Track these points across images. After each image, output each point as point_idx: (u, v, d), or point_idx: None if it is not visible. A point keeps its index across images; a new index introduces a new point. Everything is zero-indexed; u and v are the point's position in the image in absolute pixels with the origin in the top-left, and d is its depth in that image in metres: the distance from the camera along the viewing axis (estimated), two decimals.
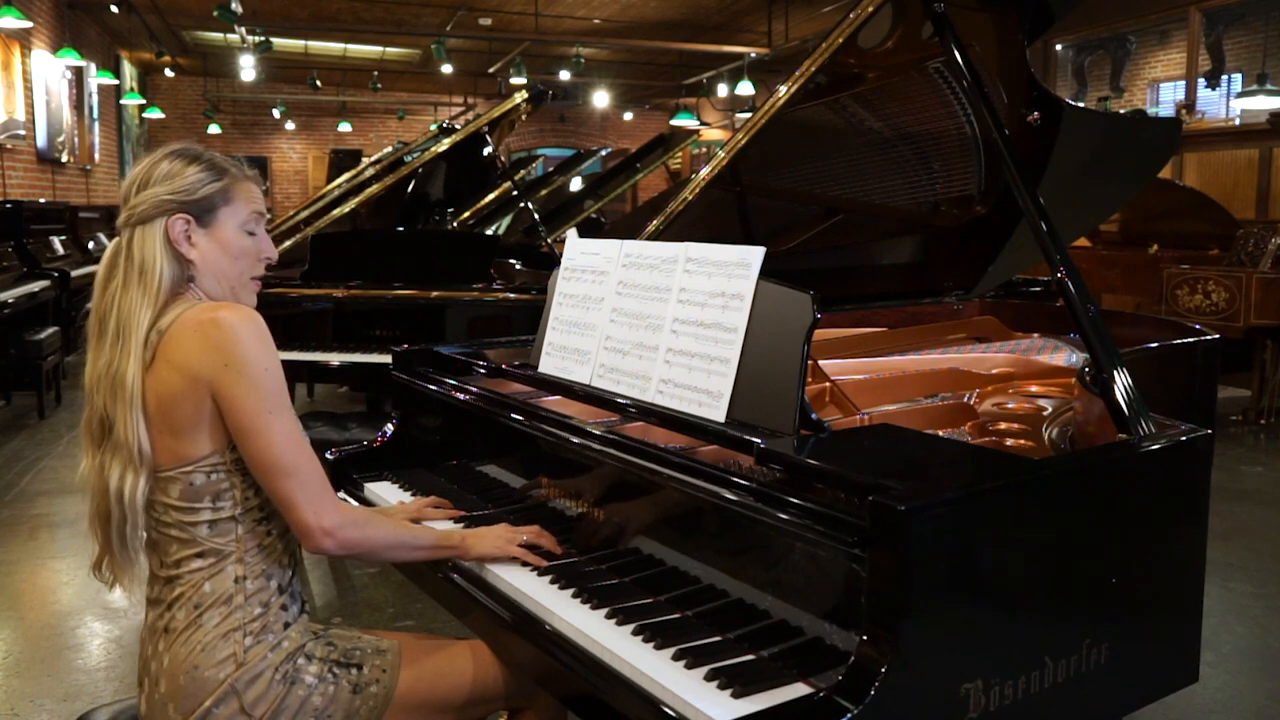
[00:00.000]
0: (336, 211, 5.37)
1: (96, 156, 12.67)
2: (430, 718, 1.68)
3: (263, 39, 12.34)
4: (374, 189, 5.36)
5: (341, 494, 2.24)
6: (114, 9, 11.32)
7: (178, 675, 1.55)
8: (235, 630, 1.56)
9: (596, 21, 13.13)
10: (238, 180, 1.65)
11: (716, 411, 1.71)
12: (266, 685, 1.55)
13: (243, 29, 11.61)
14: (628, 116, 20.19)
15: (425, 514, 2.03)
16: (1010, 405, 2.24)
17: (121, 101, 14.55)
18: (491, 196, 6.03)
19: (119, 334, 1.55)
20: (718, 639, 1.49)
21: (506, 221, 6.49)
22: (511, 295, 4.72)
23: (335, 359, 4.48)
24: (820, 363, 2.21)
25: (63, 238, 8.42)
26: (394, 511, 2.03)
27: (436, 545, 1.77)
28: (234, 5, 10.05)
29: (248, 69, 13.76)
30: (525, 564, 1.77)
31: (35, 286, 6.75)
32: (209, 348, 1.51)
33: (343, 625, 1.80)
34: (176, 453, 1.56)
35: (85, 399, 1.61)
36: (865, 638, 1.28)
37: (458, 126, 5.49)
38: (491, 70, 15.59)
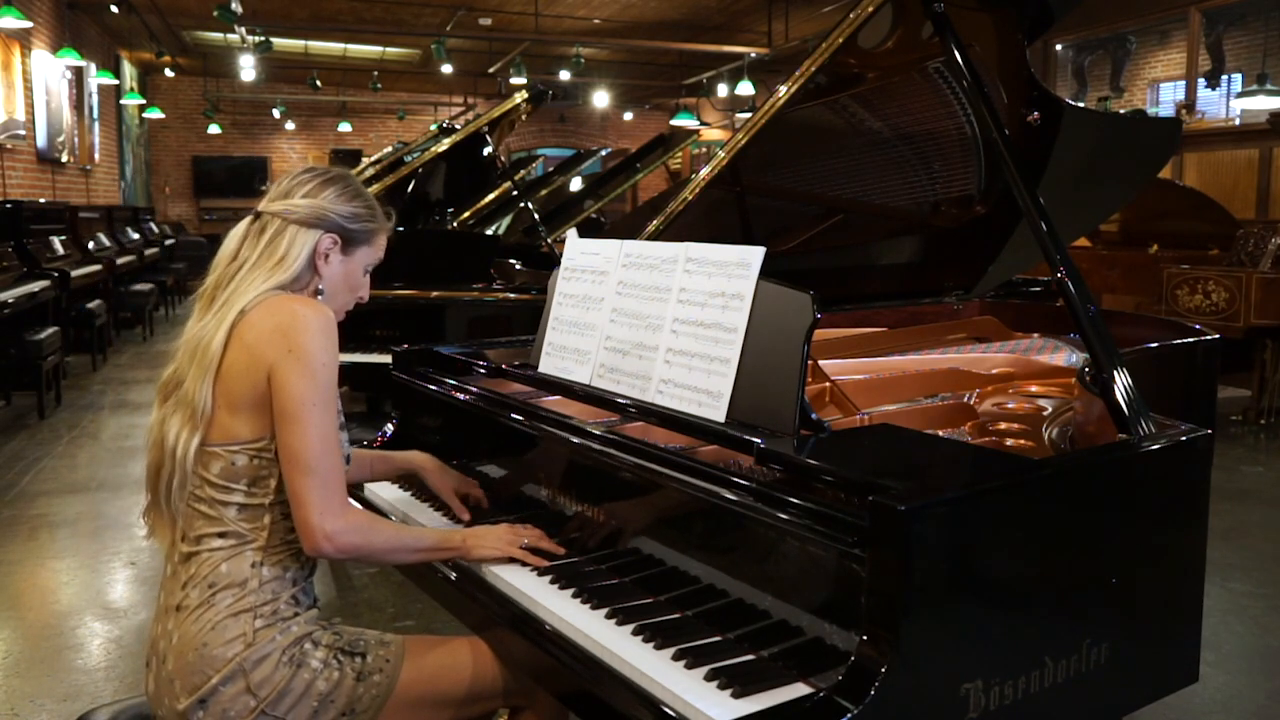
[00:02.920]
0: None
1: (96, 156, 12.67)
2: (430, 713, 1.69)
3: (263, 39, 12.33)
4: (374, 189, 5.36)
5: None
6: (114, 9, 11.32)
7: (186, 653, 1.58)
8: (246, 612, 1.59)
9: (596, 21, 13.13)
10: (382, 229, 1.81)
11: (716, 411, 1.72)
12: (273, 667, 1.57)
13: (243, 29, 11.60)
14: (628, 116, 20.19)
15: (467, 487, 2.08)
16: (1010, 405, 2.24)
17: (121, 101, 14.54)
18: (491, 196, 6.03)
19: (227, 304, 1.65)
20: (718, 639, 1.49)
21: (506, 221, 6.48)
22: (511, 295, 4.72)
23: None
24: (820, 363, 2.21)
25: (63, 238, 8.41)
26: (448, 474, 2.09)
27: (437, 547, 1.77)
28: (234, 5, 10.05)
29: (248, 69, 13.75)
30: (525, 564, 1.77)
31: (35, 286, 6.74)
32: (279, 332, 1.59)
33: (344, 625, 1.80)
34: (227, 429, 1.62)
35: (171, 357, 1.70)
36: (865, 638, 1.28)
37: (458, 126, 5.50)
38: (491, 70, 15.59)
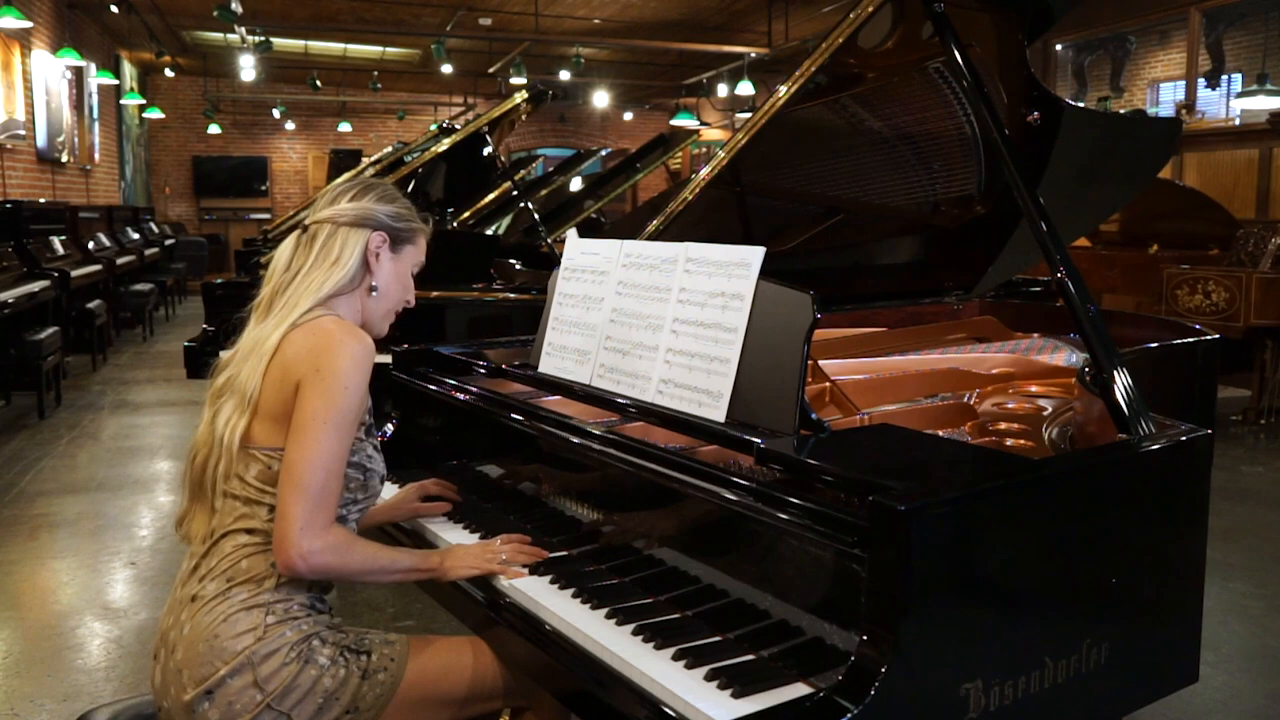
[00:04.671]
0: None
1: (96, 156, 12.67)
2: (432, 712, 1.69)
3: (263, 39, 12.33)
4: None
5: None
6: (114, 9, 11.31)
7: (197, 643, 1.59)
8: (259, 607, 1.61)
9: (596, 21, 13.12)
10: (422, 231, 1.88)
11: (716, 411, 1.71)
12: (281, 662, 1.59)
13: (243, 29, 11.60)
14: (628, 116, 20.18)
15: (430, 490, 2.10)
16: (1010, 405, 2.24)
17: (121, 101, 14.54)
18: (491, 196, 6.02)
19: (286, 308, 1.71)
20: (718, 639, 1.49)
21: (506, 221, 6.48)
22: (511, 295, 4.72)
23: None
24: (820, 363, 2.21)
25: (63, 238, 8.41)
26: (406, 494, 2.10)
27: (414, 568, 1.78)
28: (234, 5, 10.04)
29: (248, 69, 13.75)
30: (524, 564, 1.77)
31: (35, 286, 6.74)
32: (312, 351, 1.64)
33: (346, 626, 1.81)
34: (265, 434, 1.66)
35: (223, 366, 1.75)
36: (865, 638, 1.28)
37: (458, 126, 5.49)
38: (491, 70, 15.58)
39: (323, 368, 1.62)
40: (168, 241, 13.52)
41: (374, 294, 1.80)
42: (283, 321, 1.69)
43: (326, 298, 1.72)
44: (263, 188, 18.13)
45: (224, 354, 1.77)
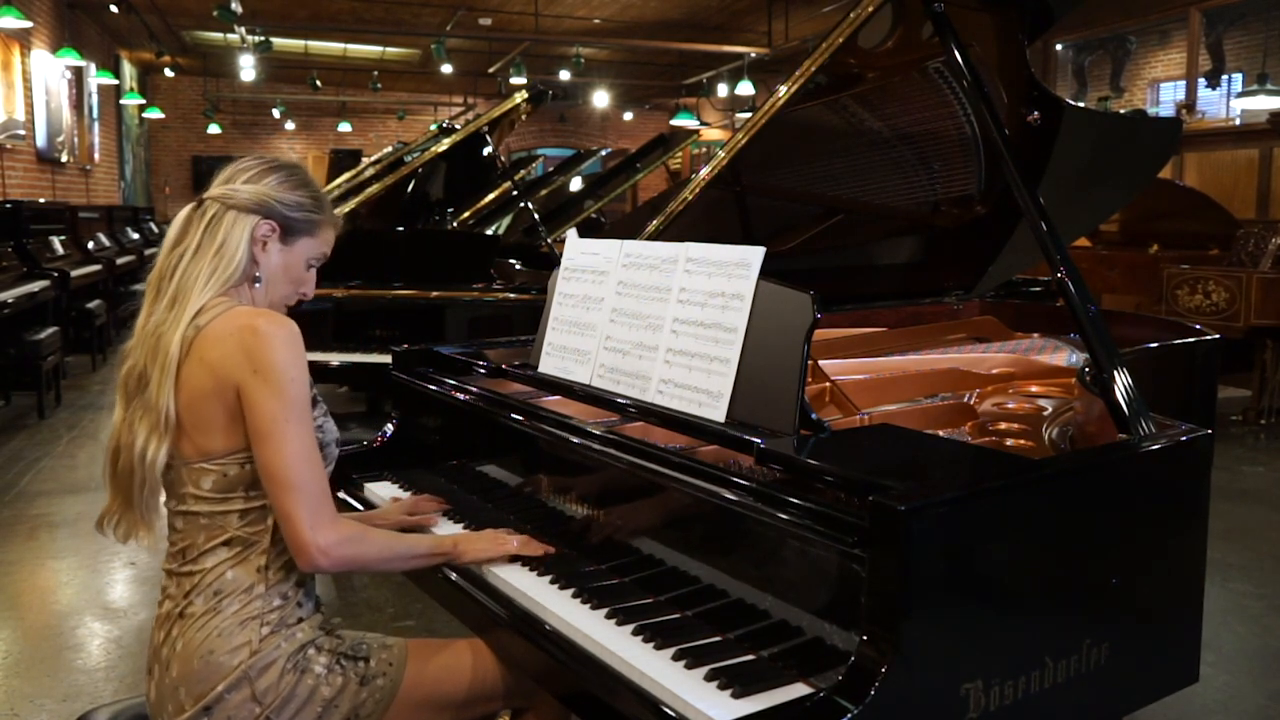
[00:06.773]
0: (337, 211, 5.34)
1: (96, 156, 12.67)
2: (432, 715, 1.69)
3: (262, 39, 12.33)
4: (374, 189, 5.36)
5: (341, 494, 2.24)
6: (114, 9, 11.31)
7: (191, 660, 1.57)
8: (253, 619, 1.59)
9: (596, 21, 13.13)
10: (328, 223, 1.77)
11: (716, 411, 1.71)
12: (278, 674, 1.57)
13: (242, 29, 11.60)
14: (628, 116, 20.18)
15: (420, 507, 2.06)
16: (1010, 405, 2.24)
17: (121, 101, 14.55)
18: (491, 196, 6.03)
19: (175, 299, 1.61)
20: (718, 639, 1.49)
21: (506, 221, 6.48)
22: (511, 295, 4.72)
23: (335, 359, 4.47)
24: (820, 363, 2.21)
25: (62, 238, 8.41)
26: (389, 510, 2.06)
27: (430, 553, 1.77)
28: (234, 5, 10.05)
29: (248, 69, 13.75)
30: (524, 564, 1.77)
31: (35, 286, 6.74)
32: (242, 352, 1.55)
33: (344, 627, 1.81)
34: (203, 448, 1.59)
35: (127, 353, 1.66)
36: (865, 638, 1.28)
37: (458, 126, 5.50)
38: (491, 70, 15.59)
39: (260, 368, 1.54)
40: None
41: (256, 286, 1.67)
42: (177, 322, 1.58)
43: (214, 295, 1.61)
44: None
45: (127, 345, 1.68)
